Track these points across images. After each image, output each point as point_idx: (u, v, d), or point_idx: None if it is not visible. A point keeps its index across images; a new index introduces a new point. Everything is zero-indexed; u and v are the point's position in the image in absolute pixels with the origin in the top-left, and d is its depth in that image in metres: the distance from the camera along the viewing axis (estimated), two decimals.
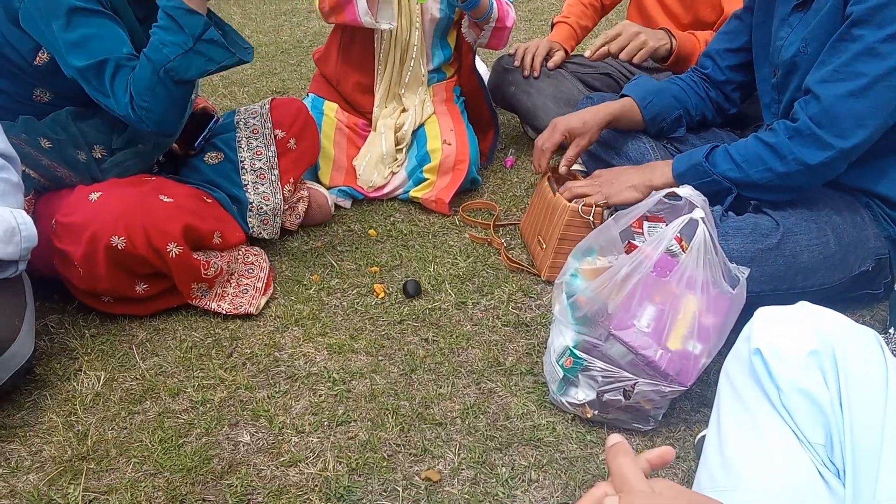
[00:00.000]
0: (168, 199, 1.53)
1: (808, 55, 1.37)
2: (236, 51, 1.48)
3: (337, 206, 2.00)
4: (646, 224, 1.46)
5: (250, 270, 1.68)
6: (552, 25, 2.40)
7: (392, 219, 1.97)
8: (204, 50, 1.43)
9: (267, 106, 1.87)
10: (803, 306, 1.03)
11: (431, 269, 1.75)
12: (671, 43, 2.01)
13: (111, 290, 1.52)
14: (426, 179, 2.00)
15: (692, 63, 2.04)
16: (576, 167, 1.93)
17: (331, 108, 2.12)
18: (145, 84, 1.43)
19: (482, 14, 1.97)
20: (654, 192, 1.54)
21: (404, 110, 2.10)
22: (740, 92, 1.73)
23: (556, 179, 1.75)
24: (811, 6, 1.39)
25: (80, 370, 1.44)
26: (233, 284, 1.63)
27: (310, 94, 2.18)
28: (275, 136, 1.83)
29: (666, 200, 1.41)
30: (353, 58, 2.09)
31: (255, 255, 1.73)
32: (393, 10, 1.94)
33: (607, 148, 1.82)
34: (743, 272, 1.28)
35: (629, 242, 1.43)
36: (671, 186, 1.46)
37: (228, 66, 1.49)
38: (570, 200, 1.64)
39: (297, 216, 1.89)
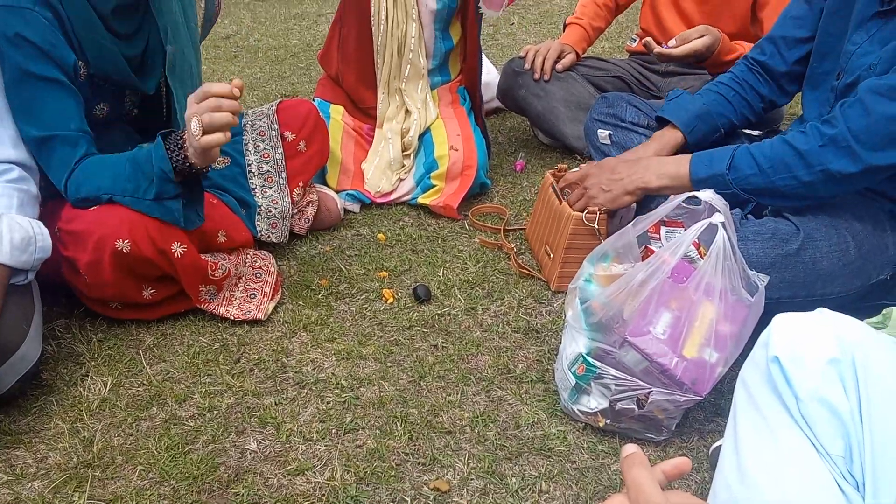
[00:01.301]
0: None
1: (876, 74, 1.30)
2: (185, 220, 1.44)
3: (346, 210, 1.98)
4: (663, 229, 1.44)
5: (258, 275, 1.66)
6: (564, 26, 2.38)
7: (401, 223, 1.95)
8: (153, 208, 1.41)
9: (274, 108, 1.85)
10: (822, 313, 1.00)
11: (441, 275, 1.73)
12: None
13: (118, 297, 1.51)
14: (434, 186, 1.98)
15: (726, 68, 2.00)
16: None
17: (337, 112, 2.11)
18: (88, 191, 1.42)
19: None
20: (647, 194, 1.50)
21: (408, 112, 2.08)
22: (797, 85, 1.60)
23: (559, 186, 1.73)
24: (894, 18, 1.31)
25: (87, 375, 1.43)
26: (240, 289, 1.62)
27: (315, 99, 2.17)
28: (284, 139, 1.82)
29: (685, 205, 1.38)
30: (351, 51, 2.08)
31: (263, 259, 1.71)
32: None
33: (620, 149, 1.79)
34: (762, 279, 1.25)
35: (646, 247, 1.40)
36: (670, 189, 1.43)
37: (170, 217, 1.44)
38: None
39: (307, 220, 1.87)
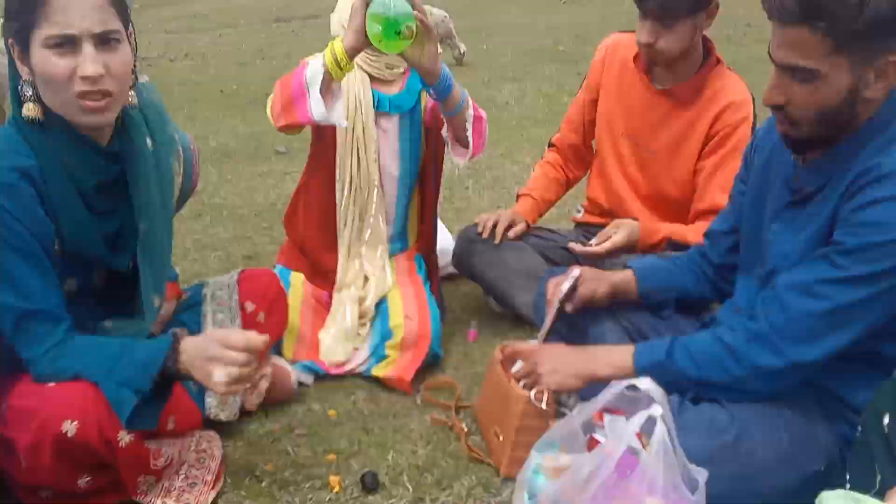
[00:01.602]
0: None
1: (791, 263, 1.38)
2: (135, 420, 1.39)
3: (299, 383, 1.96)
4: (606, 417, 1.46)
5: (201, 460, 1.61)
6: (517, 197, 2.51)
7: (353, 397, 1.94)
8: (111, 390, 1.37)
9: (235, 277, 1.86)
10: None
11: (390, 458, 1.69)
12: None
13: (52, 483, 1.44)
14: (388, 356, 1.99)
15: (658, 249, 2.12)
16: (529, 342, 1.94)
17: (297, 279, 2.15)
18: (60, 367, 1.39)
19: (456, 104, 1.93)
20: (594, 381, 1.54)
21: (366, 278, 2.13)
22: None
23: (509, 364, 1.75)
24: (806, 208, 1.39)
25: None
26: (181, 477, 1.56)
27: (277, 266, 2.21)
28: (244, 310, 1.82)
29: (626, 392, 1.41)
30: (315, 214, 2.15)
31: (208, 441, 1.67)
32: (345, 110, 1.94)
33: (572, 328, 1.82)
34: (702, 475, 1.26)
35: (591, 437, 1.41)
36: (616, 378, 1.47)
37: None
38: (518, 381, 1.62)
39: (259, 396, 1.84)
